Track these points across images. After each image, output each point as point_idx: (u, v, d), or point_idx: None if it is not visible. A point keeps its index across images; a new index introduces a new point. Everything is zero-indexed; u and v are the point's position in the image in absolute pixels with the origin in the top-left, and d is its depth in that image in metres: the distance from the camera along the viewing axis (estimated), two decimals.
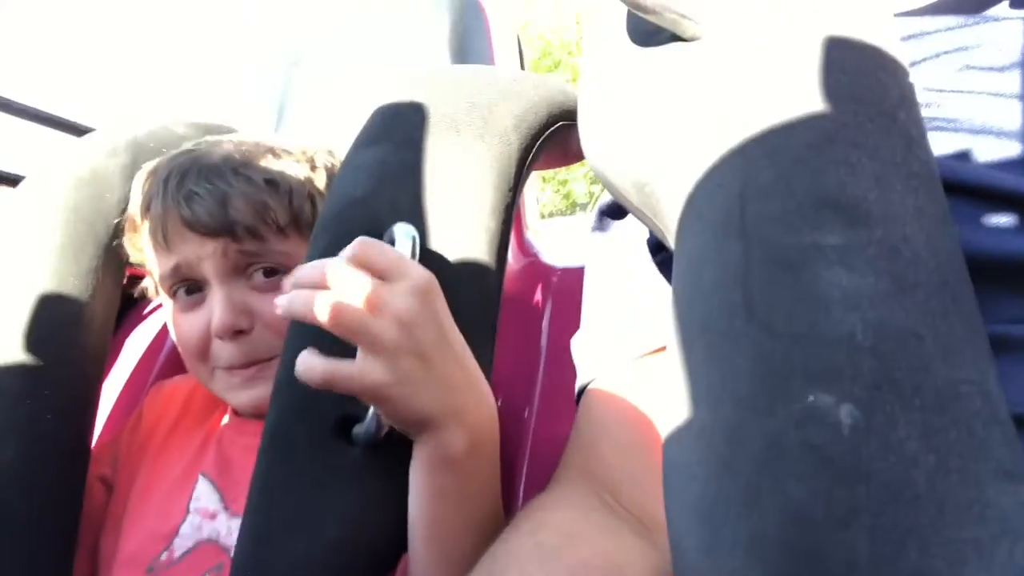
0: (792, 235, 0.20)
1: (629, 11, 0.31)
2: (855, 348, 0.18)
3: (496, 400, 0.48)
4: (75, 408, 0.65)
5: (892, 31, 0.27)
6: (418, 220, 0.50)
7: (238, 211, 0.60)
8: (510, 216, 0.54)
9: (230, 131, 0.79)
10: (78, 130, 0.84)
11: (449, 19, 1.10)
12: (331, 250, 0.47)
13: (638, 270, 0.50)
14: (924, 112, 0.37)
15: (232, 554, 0.46)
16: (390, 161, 0.52)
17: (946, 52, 0.40)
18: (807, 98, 0.23)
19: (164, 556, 0.61)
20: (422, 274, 0.44)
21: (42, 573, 0.58)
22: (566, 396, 0.53)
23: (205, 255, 0.61)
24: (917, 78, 0.40)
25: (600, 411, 0.48)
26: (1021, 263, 0.33)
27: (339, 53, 1.17)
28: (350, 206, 0.50)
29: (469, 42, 1.06)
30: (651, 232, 0.38)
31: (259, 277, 0.63)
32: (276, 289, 0.63)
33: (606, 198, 0.55)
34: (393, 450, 0.45)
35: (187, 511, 0.63)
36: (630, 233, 0.52)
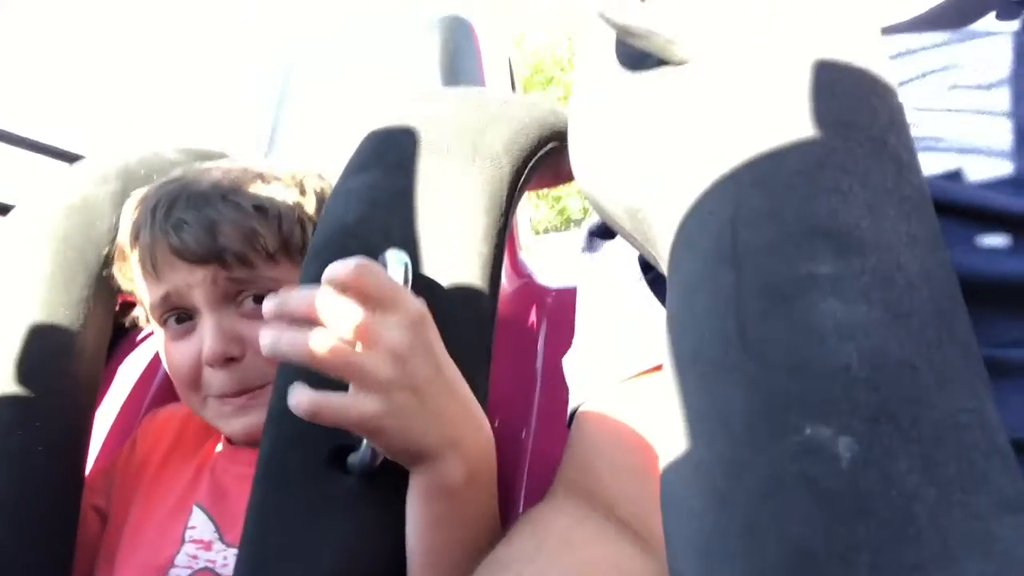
0: (784, 264, 0.20)
1: (618, 36, 0.31)
2: (851, 379, 0.18)
3: (492, 422, 0.48)
4: (68, 438, 0.64)
5: (880, 51, 0.27)
6: (410, 246, 0.49)
7: (226, 238, 0.60)
8: (503, 239, 0.54)
9: (221, 156, 0.79)
10: (68, 157, 0.84)
11: (439, 40, 1.10)
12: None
13: (629, 290, 0.50)
14: (912, 132, 0.37)
15: None
16: (381, 187, 0.52)
17: (933, 71, 0.40)
18: (796, 123, 0.23)
19: None
20: (416, 305, 0.43)
21: None
22: (562, 416, 0.52)
23: (194, 283, 0.61)
24: (904, 97, 0.40)
25: (594, 432, 0.47)
26: (1014, 285, 0.32)
27: (331, 75, 1.18)
28: (341, 232, 0.50)
29: (460, 62, 1.07)
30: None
31: (249, 304, 0.62)
32: None
33: (596, 218, 0.55)
34: (389, 479, 0.45)
35: (182, 541, 0.62)
36: (620, 253, 0.52)
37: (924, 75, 0.40)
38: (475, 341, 0.50)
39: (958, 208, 0.34)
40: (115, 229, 0.68)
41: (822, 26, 0.26)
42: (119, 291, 0.70)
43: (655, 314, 0.47)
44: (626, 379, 0.46)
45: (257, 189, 0.64)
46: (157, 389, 0.89)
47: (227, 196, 0.62)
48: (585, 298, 0.55)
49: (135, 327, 0.76)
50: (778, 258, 0.20)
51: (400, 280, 0.46)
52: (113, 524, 0.68)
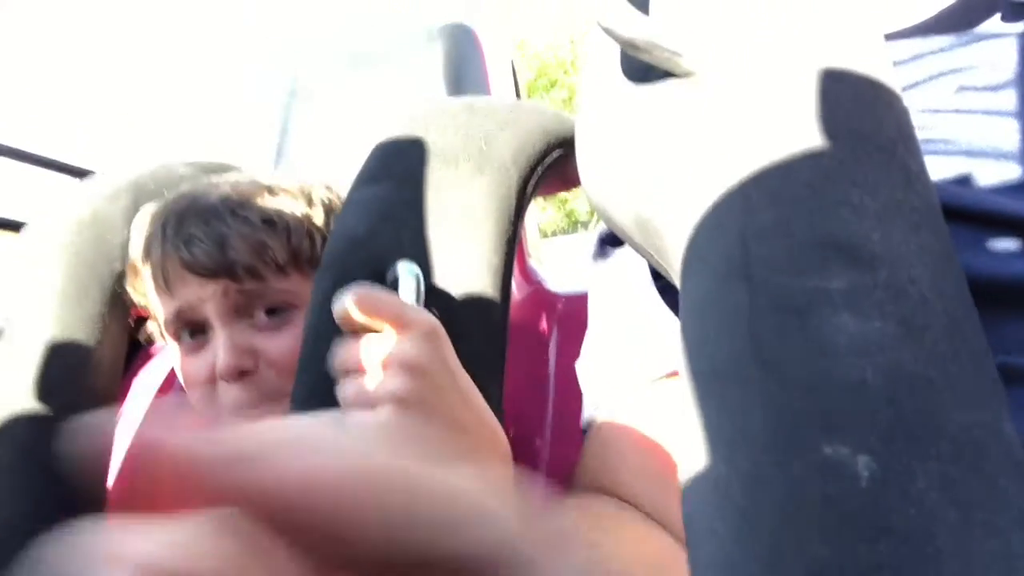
0: (797, 279, 0.20)
1: (622, 49, 0.31)
2: (867, 395, 0.18)
3: (507, 431, 0.48)
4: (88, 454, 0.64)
5: (885, 57, 0.27)
6: (421, 257, 0.50)
7: (236, 252, 0.61)
8: (512, 247, 0.54)
9: (230, 169, 0.80)
10: (80, 173, 0.85)
11: (443, 48, 1.10)
12: (335, 291, 0.47)
13: (640, 297, 0.50)
14: (921, 135, 0.37)
15: None
16: (391, 198, 0.52)
17: (941, 74, 0.40)
18: (803, 135, 0.23)
19: None
20: (427, 319, 0.44)
21: None
22: (576, 423, 0.52)
23: (206, 297, 0.61)
24: (913, 101, 0.40)
25: (614, 438, 0.47)
26: None
27: (337, 87, 1.18)
28: (352, 245, 0.50)
29: (464, 70, 1.07)
30: None
31: (261, 316, 0.63)
32: (279, 328, 0.63)
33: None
34: None
35: None
36: (630, 260, 0.52)
37: (932, 78, 0.40)
38: (488, 352, 0.50)
39: (968, 213, 0.34)
40: (127, 244, 0.69)
41: (827, 35, 0.26)
42: (133, 306, 0.71)
43: (667, 321, 0.47)
44: (643, 385, 0.46)
45: (266, 202, 0.65)
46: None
47: (236, 210, 0.63)
48: (597, 305, 0.55)
49: (150, 342, 0.77)
50: (790, 273, 0.20)
51: (412, 292, 0.46)
52: None
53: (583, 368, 0.53)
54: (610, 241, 0.55)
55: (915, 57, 0.41)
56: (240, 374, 0.61)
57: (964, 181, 0.36)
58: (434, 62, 1.09)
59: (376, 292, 0.44)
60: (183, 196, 0.66)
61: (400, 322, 0.43)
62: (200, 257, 0.60)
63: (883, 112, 0.24)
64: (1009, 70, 0.38)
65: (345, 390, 0.43)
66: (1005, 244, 0.33)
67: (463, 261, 0.51)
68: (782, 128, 0.24)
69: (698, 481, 0.20)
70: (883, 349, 0.18)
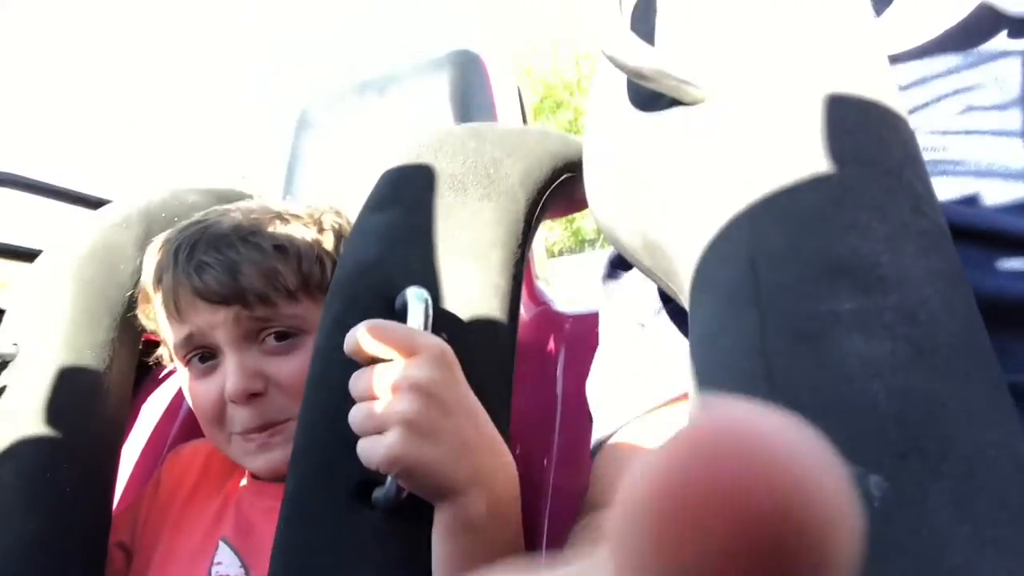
0: (807, 303, 0.20)
1: (629, 78, 0.31)
2: (879, 417, 0.18)
3: (514, 451, 0.48)
4: (95, 478, 0.65)
5: (891, 81, 0.27)
6: (430, 282, 0.50)
7: (248, 278, 0.61)
8: (520, 271, 0.55)
9: (240, 196, 0.81)
10: (93, 203, 0.86)
11: (450, 75, 1.12)
12: (344, 316, 0.48)
13: (649, 321, 0.50)
14: (930, 156, 0.37)
15: None
16: (399, 225, 0.52)
17: (948, 95, 0.40)
18: (811, 160, 0.24)
19: None
20: (436, 343, 0.44)
21: None
22: (584, 444, 0.52)
23: (217, 323, 0.62)
24: (921, 122, 0.40)
25: (622, 461, 0.47)
26: None
27: (344, 117, 1.20)
28: (362, 270, 0.51)
29: (471, 96, 1.08)
30: None
31: (271, 341, 0.63)
32: (288, 352, 0.63)
33: None
34: (414, 513, 0.45)
35: None
36: (640, 283, 0.52)
37: (939, 99, 0.40)
38: (497, 375, 0.50)
39: (977, 232, 0.34)
40: (138, 272, 0.70)
41: (832, 61, 0.27)
42: (143, 331, 0.72)
43: (677, 344, 0.47)
44: (652, 410, 0.46)
45: (276, 229, 0.65)
46: (181, 425, 0.90)
47: (247, 237, 0.63)
48: (606, 327, 0.56)
49: (159, 365, 0.77)
50: (800, 297, 0.20)
51: (421, 317, 0.46)
52: (139, 561, 0.68)
53: (592, 390, 0.53)
54: (620, 264, 0.56)
55: (921, 79, 0.41)
56: (249, 397, 0.62)
57: (973, 201, 0.36)
58: (441, 89, 1.11)
59: (385, 322, 0.44)
60: (195, 224, 0.66)
61: (409, 348, 0.43)
62: (211, 284, 0.61)
63: (889, 136, 0.25)
64: (1016, 88, 0.38)
65: (355, 414, 0.43)
66: (1014, 263, 0.34)
67: (471, 286, 0.51)
68: (790, 154, 0.24)
69: None
70: (894, 370, 0.19)
